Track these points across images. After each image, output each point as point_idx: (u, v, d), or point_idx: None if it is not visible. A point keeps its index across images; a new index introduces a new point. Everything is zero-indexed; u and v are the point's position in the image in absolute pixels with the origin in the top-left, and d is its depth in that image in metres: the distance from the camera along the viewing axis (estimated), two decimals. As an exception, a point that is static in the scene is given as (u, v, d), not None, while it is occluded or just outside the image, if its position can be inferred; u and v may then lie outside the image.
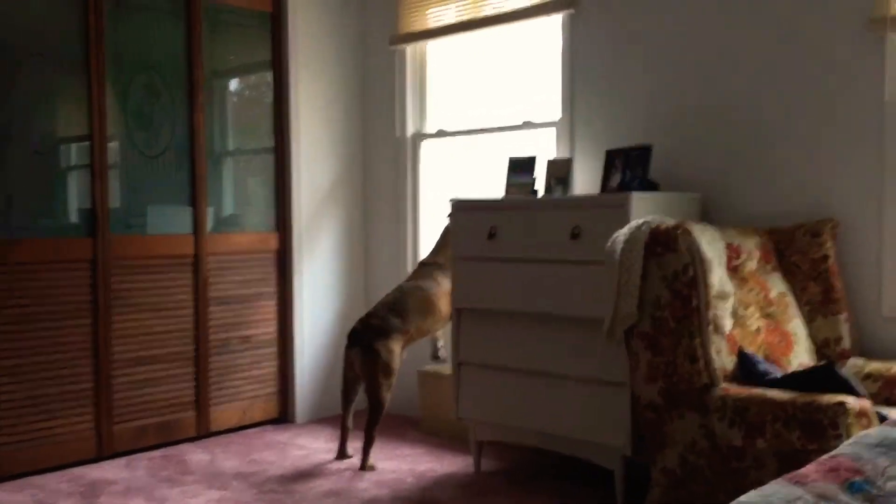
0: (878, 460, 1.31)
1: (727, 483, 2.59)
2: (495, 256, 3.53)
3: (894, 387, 2.85)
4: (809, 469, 1.31)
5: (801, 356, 3.02)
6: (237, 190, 4.53)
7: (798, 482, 1.26)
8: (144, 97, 4.09)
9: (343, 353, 3.84)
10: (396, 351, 3.78)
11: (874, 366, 2.96)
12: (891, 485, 1.22)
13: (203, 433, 4.26)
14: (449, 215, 3.81)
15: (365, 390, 3.76)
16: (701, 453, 2.65)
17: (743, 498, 1.22)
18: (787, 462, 2.43)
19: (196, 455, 4.00)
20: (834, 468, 1.29)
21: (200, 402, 4.24)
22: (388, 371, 3.74)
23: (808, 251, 3.16)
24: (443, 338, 4.25)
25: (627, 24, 3.78)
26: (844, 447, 1.42)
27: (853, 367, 2.97)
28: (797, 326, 3.09)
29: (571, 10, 3.92)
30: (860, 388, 2.55)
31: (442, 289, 3.96)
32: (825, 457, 1.38)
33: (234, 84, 4.62)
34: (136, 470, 3.78)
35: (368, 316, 3.84)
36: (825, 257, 3.13)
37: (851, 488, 1.23)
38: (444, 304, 3.96)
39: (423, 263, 4.13)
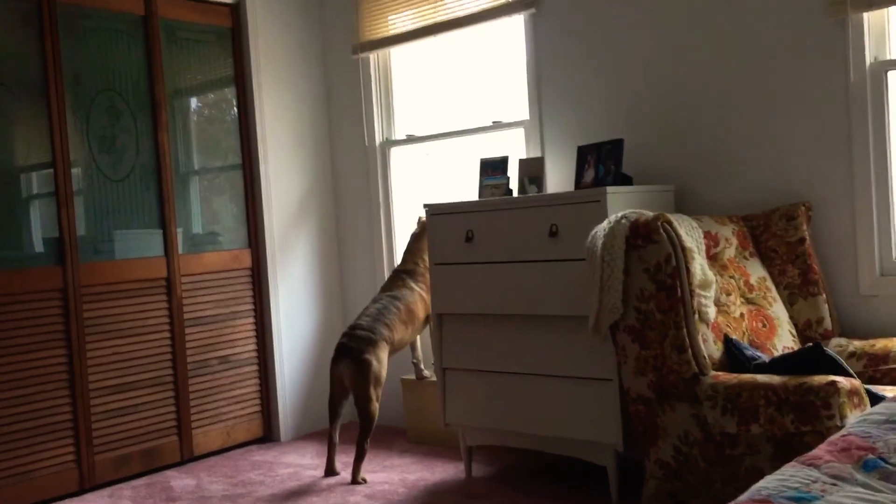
0: (888, 437, 1.31)
1: (722, 471, 2.60)
2: (474, 260, 3.50)
3: (878, 364, 2.88)
4: (821, 450, 1.30)
5: (785, 339, 3.04)
6: (206, 209, 4.46)
7: (812, 464, 1.25)
8: (106, 120, 4.01)
9: (329, 368, 3.78)
10: (385, 360, 3.75)
11: (857, 344, 2.99)
12: (905, 460, 1.22)
13: (187, 458, 4.18)
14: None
15: (355, 403, 3.70)
16: (694, 443, 2.65)
17: (760, 483, 1.21)
18: (782, 446, 2.44)
19: (181, 481, 3.92)
20: (846, 448, 1.29)
21: (182, 427, 4.16)
22: (379, 381, 3.71)
23: (784, 235, 3.19)
24: (419, 352, 4.22)
25: (589, 20, 3.79)
26: (853, 426, 1.42)
27: (836, 346, 3.00)
28: (779, 310, 3.11)
29: (533, 10, 3.92)
30: (847, 367, 2.57)
31: (416, 295, 3.96)
32: (835, 436, 1.38)
33: (196, 101, 4.55)
34: (120, 500, 3.69)
35: (353, 328, 3.79)
36: (801, 240, 3.16)
37: (866, 466, 1.23)
38: (420, 311, 3.97)
39: (395, 272, 4.11)
